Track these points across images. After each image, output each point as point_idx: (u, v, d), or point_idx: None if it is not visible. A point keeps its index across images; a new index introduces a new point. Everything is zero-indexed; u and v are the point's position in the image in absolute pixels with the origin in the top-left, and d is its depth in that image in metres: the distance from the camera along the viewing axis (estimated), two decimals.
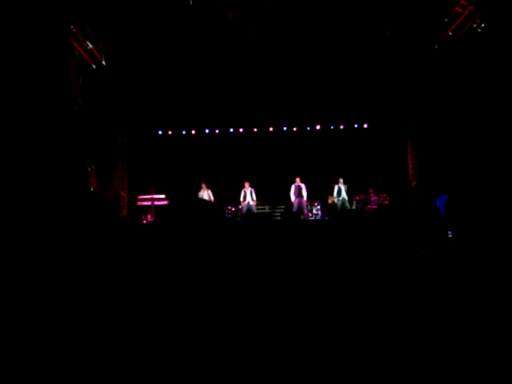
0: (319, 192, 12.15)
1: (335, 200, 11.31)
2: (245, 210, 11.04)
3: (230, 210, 12.11)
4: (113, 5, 7.82)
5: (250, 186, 11.29)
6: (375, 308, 1.48)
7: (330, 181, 11.93)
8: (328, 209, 11.98)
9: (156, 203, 10.67)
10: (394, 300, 1.54)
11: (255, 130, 13.21)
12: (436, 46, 8.91)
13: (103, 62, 9.01)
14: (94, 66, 8.93)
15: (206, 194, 11.25)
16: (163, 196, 10.88)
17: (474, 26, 7.69)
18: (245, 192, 11.25)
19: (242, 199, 11.25)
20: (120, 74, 10.08)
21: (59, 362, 1.27)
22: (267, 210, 12.27)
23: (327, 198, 11.96)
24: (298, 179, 11.27)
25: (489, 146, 7.38)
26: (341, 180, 11.40)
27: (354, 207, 11.76)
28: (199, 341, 1.34)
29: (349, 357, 1.30)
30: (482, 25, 7.46)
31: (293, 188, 11.29)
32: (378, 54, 9.89)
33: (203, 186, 11.35)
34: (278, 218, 11.10)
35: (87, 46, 8.23)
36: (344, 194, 11.29)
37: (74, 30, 7.59)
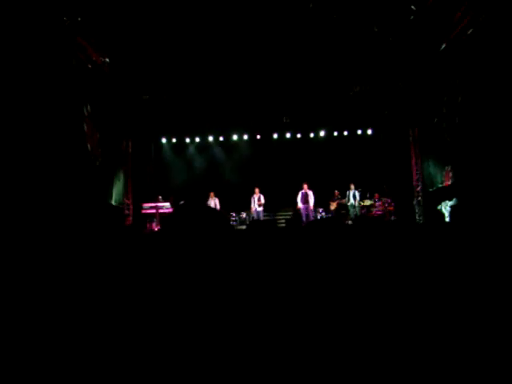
0: (323, 198, 12.15)
1: (349, 203, 11.45)
2: (255, 216, 11.18)
3: (236, 217, 12.17)
4: (117, 17, 7.92)
5: (260, 192, 11.40)
6: (377, 308, 1.48)
7: (334, 187, 11.93)
8: (332, 214, 11.97)
9: (160, 211, 10.69)
10: (396, 300, 1.53)
11: (258, 136, 13.23)
12: (443, 46, 8.78)
13: (107, 60, 9.18)
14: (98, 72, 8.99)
15: (212, 203, 11.40)
16: (167, 204, 10.93)
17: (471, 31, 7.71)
18: (254, 198, 11.35)
19: (252, 205, 11.35)
20: (124, 81, 10.17)
21: (61, 362, 1.28)
22: (270, 217, 12.31)
23: (329, 205, 11.97)
24: (305, 186, 11.32)
25: (493, 150, 7.34)
26: (352, 186, 11.51)
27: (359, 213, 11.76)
28: (204, 347, 1.34)
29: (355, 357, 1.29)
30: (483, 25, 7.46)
31: (300, 195, 11.34)
32: (380, 59, 9.92)
33: (211, 194, 11.49)
34: (282, 224, 11.09)
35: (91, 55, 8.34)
36: (355, 199, 11.39)
37: (78, 40, 7.71)
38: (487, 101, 7.45)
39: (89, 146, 8.51)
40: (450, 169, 9.18)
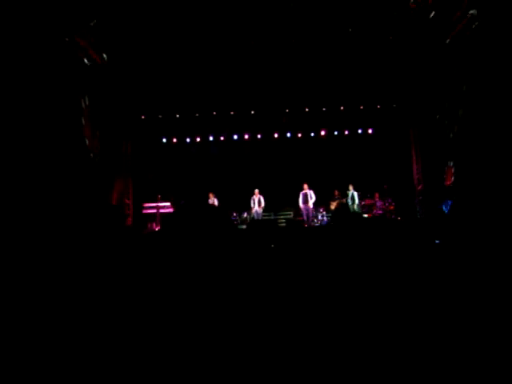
0: (323, 198, 12.11)
1: (349, 203, 11.45)
2: (255, 216, 11.21)
3: (237, 216, 12.17)
4: (115, 16, 7.93)
5: (260, 193, 11.42)
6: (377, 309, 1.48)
7: (335, 187, 11.91)
8: (332, 214, 11.95)
9: (161, 211, 10.69)
10: (396, 302, 1.53)
11: (259, 136, 13.20)
12: (447, 41, 8.74)
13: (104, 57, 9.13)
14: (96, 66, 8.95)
15: (211, 203, 11.42)
16: (168, 204, 10.91)
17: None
18: (253, 199, 11.37)
19: (252, 205, 11.38)
20: (124, 81, 10.16)
21: (61, 361, 1.27)
22: (271, 217, 12.31)
23: (329, 204, 11.96)
24: (305, 186, 11.29)
25: (494, 150, 7.33)
26: (350, 186, 11.50)
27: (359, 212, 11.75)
28: (204, 345, 1.34)
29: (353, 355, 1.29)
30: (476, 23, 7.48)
31: (301, 196, 11.32)
32: (381, 59, 9.90)
33: (211, 195, 11.48)
34: (283, 224, 11.09)
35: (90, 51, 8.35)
36: (355, 200, 11.41)
37: (77, 40, 7.73)
38: (493, 93, 7.38)
39: (87, 140, 8.44)
40: (452, 164, 9.15)
